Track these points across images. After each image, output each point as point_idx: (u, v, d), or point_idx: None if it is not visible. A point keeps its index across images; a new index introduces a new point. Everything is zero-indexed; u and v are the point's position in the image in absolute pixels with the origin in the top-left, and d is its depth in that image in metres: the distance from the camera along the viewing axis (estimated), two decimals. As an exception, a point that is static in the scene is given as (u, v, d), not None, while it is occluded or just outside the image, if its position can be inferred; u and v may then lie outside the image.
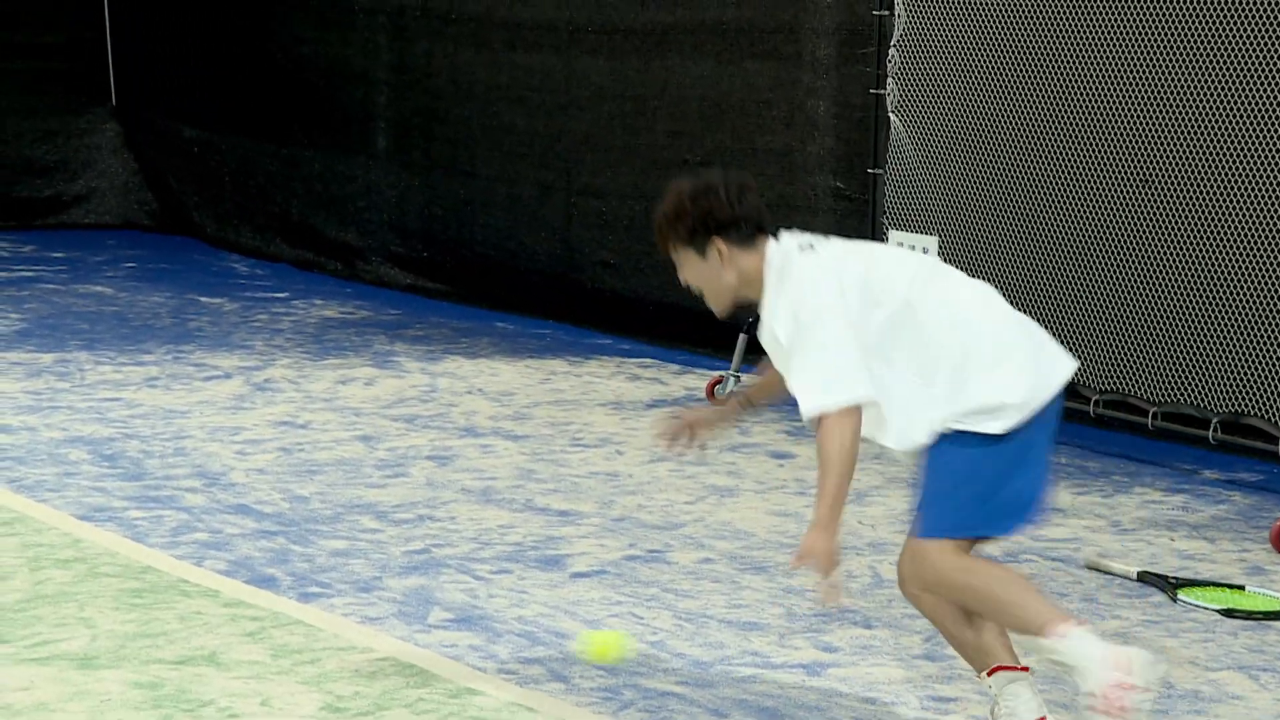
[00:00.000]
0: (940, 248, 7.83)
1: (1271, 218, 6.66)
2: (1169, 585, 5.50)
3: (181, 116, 12.88)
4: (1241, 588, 5.52)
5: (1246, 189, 6.74)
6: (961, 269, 7.99)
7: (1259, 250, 6.70)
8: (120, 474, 6.70)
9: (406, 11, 10.98)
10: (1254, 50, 6.63)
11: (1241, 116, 6.72)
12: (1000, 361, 4.09)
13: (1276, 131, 6.60)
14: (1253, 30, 6.63)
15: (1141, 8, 7.00)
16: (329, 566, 5.65)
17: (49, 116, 13.12)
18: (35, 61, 13.02)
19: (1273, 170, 6.62)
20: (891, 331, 4.09)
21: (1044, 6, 7.36)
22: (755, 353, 8.70)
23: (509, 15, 10.30)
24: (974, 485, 4.10)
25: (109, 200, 13.29)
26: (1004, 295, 6.43)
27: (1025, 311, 4.20)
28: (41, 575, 5.47)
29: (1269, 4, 6.58)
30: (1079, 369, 4.33)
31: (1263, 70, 6.61)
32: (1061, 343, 4.28)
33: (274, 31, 11.99)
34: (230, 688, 4.58)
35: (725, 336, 8.52)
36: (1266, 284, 6.68)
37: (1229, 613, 5.31)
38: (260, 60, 12.12)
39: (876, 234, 8.15)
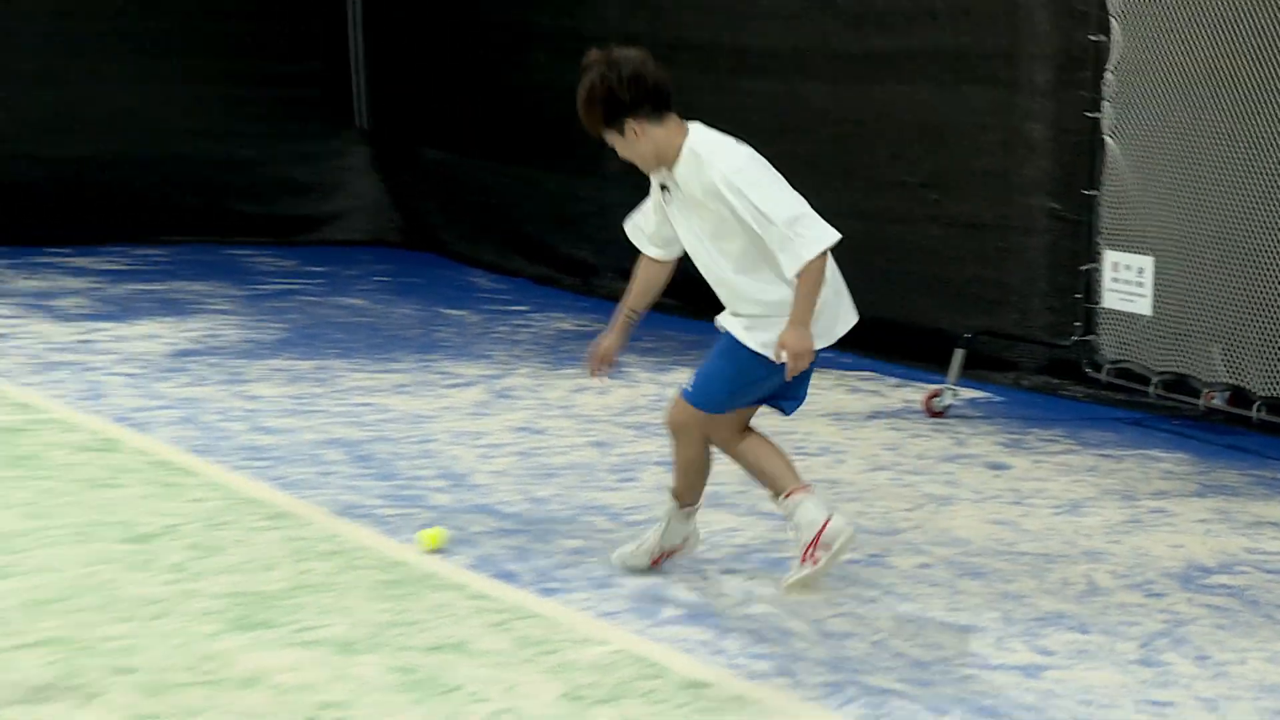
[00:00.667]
0: (1156, 268, 7.78)
1: None
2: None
3: (426, 140, 13.19)
4: None
5: None
6: (1178, 290, 8.01)
7: None
8: (373, 474, 6.91)
9: (636, 40, 11.21)
10: None
11: None
12: None
13: None
14: None
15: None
16: (567, 564, 5.79)
17: (305, 140, 13.51)
18: (293, 89, 13.43)
19: None
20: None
21: (1261, 28, 7.26)
22: (972, 366, 8.77)
23: (734, 42, 10.38)
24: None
25: (360, 218, 13.66)
26: (1220, 314, 6.46)
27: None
28: (304, 566, 5.69)
29: None
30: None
31: None
32: None
33: (512, 60, 12.22)
34: (478, 674, 4.74)
35: (942, 350, 8.59)
36: None
37: None
38: (499, 87, 12.36)
39: (1092, 254, 8.13)
